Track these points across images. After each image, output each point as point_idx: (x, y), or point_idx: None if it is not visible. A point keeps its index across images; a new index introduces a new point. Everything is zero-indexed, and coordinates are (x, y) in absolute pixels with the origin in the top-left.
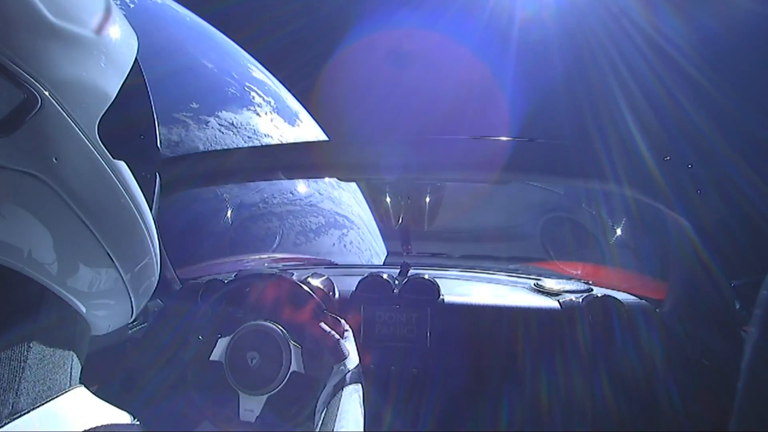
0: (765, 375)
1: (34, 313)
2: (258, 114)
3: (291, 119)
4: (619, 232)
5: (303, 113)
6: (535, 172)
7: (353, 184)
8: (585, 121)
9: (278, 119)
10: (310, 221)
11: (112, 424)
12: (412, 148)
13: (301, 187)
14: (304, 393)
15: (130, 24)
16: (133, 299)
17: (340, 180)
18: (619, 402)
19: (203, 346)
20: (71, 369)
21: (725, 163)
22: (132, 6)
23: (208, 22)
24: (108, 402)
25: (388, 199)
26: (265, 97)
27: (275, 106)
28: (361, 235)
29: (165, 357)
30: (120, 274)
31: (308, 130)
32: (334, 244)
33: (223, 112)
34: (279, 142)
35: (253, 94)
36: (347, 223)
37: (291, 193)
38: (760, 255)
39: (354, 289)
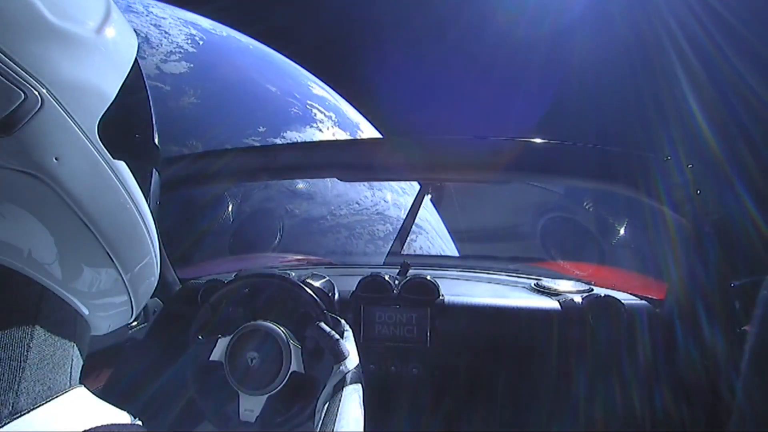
0: (765, 375)
1: (34, 313)
2: (320, 130)
3: (352, 130)
4: (619, 232)
5: (364, 123)
6: (536, 171)
7: (417, 188)
8: (644, 102)
9: (340, 132)
10: (378, 229)
11: (112, 424)
12: (413, 149)
13: (367, 196)
14: (304, 393)
15: (130, 24)
16: (133, 299)
17: (341, 180)
18: (618, 402)
19: (203, 346)
20: (71, 369)
21: None
22: (202, 43)
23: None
24: (108, 402)
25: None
26: (326, 113)
27: (336, 120)
28: (430, 240)
29: (165, 357)
30: (120, 274)
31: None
32: (402, 250)
33: (288, 132)
34: (279, 143)
35: (314, 111)
36: (415, 229)
37: (357, 203)
38: (760, 255)
39: (354, 289)
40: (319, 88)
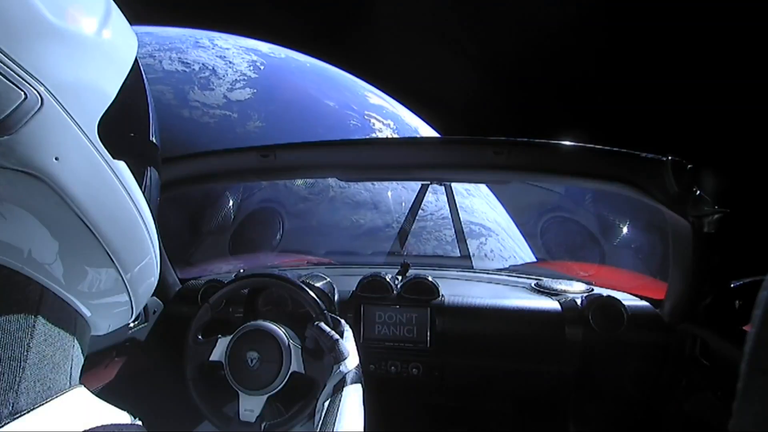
0: (764, 376)
1: (34, 313)
2: None
3: (412, 135)
4: (619, 232)
5: (423, 127)
6: (536, 171)
7: (484, 189)
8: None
9: None
10: (445, 234)
11: (112, 424)
12: (413, 149)
13: (431, 201)
14: (304, 393)
15: (129, 24)
16: (133, 299)
17: (341, 180)
18: (619, 402)
19: (203, 346)
20: (71, 369)
21: None
22: (263, 68)
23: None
24: (108, 402)
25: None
26: (384, 121)
27: (395, 127)
28: (501, 242)
29: (165, 357)
30: (120, 274)
31: None
32: (473, 254)
33: None
34: (277, 143)
35: (372, 120)
36: (483, 231)
37: (421, 209)
38: (760, 255)
39: (354, 289)
40: (376, 98)
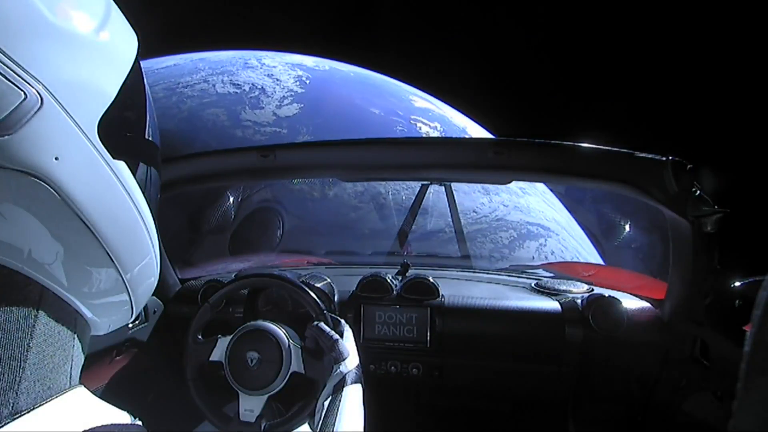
0: (764, 376)
1: (34, 313)
2: None
3: (460, 136)
4: (620, 232)
5: (471, 126)
6: (536, 171)
7: (541, 186)
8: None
9: None
10: (501, 237)
11: (112, 424)
12: (414, 148)
13: (484, 202)
14: (304, 393)
15: (130, 23)
16: (133, 299)
17: (342, 180)
18: (619, 402)
19: (203, 346)
20: (71, 369)
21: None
22: (308, 82)
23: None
24: (108, 402)
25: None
26: (431, 123)
27: (442, 129)
28: (562, 242)
29: (165, 357)
30: (120, 274)
31: None
32: (533, 258)
33: None
34: (278, 143)
35: (419, 124)
36: (542, 232)
37: (474, 211)
38: (759, 255)
39: (354, 288)
40: (421, 101)
